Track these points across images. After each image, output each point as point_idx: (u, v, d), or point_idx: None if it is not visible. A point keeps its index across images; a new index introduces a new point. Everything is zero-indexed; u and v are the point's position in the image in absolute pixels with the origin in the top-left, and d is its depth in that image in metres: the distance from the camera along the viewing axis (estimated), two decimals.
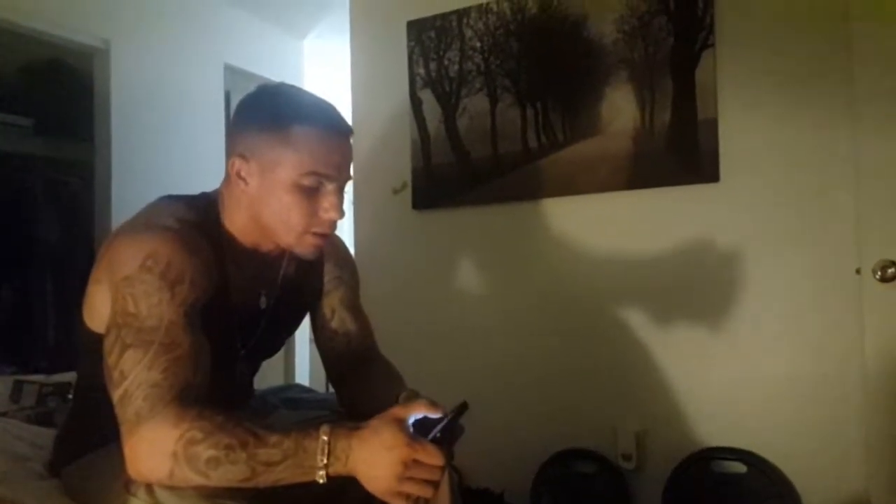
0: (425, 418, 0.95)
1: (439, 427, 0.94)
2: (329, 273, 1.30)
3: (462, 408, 0.96)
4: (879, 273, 1.69)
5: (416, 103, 2.39)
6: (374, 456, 0.90)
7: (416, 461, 0.90)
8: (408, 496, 0.91)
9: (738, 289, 1.94)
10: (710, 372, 1.98)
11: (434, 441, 0.92)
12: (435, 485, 0.93)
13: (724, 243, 1.95)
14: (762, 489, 1.88)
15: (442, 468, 0.92)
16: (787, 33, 1.88)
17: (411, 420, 0.95)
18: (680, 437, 2.00)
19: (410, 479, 0.90)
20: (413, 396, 1.08)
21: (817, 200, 1.86)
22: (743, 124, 1.92)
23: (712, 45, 1.94)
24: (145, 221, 1.05)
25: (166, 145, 3.03)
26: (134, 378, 0.91)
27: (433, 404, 0.98)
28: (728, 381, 1.95)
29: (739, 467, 1.92)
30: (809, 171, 1.87)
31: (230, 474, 0.88)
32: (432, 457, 0.91)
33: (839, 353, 1.82)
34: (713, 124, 1.94)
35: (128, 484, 0.93)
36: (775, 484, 1.87)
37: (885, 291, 1.69)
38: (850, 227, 1.79)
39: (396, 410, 0.95)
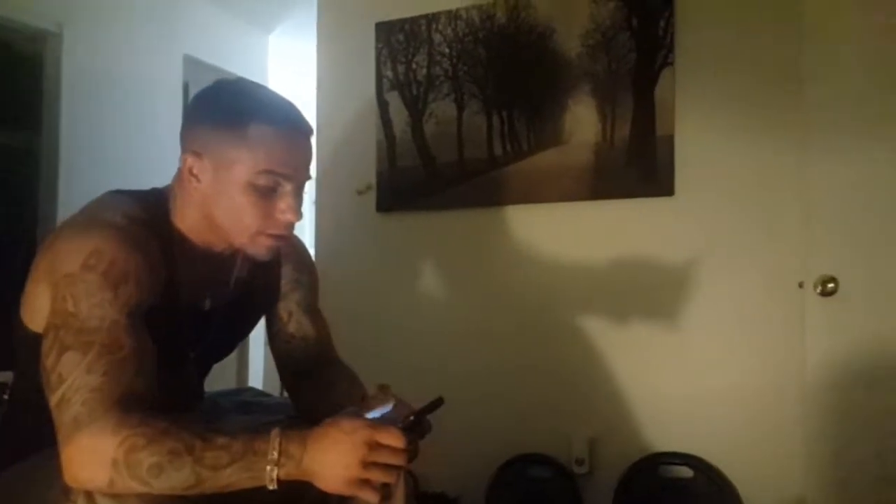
0: (386, 414, 0.94)
1: (409, 416, 0.92)
2: (287, 275, 1.26)
3: (436, 403, 0.94)
4: (820, 287, 1.77)
5: (382, 105, 2.39)
6: (333, 449, 0.87)
7: (378, 444, 0.88)
8: (372, 485, 0.89)
9: (688, 300, 2.01)
10: (659, 380, 2.04)
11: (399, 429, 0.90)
12: (398, 471, 0.91)
13: (676, 255, 2.02)
14: (707, 492, 1.95)
15: (405, 451, 0.89)
16: (743, 55, 1.96)
17: (369, 415, 0.93)
18: (630, 442, 2.05)
19: (374, 464, 0.88)
20: (384, 389, 1.04)
21: (765, 216, 1.94)
22: (698, 141, 1.99)
23: (672, 63, 2.00)
24: (90, 217, 1.00)
25: (119, 137, 2.88)
26: (72, 382, 0.87)
27: (400, 400, 0.96)
28: (676, 389, 2.01)
29: (686, 472, 1.98)
30: (758, 189, 1.95)
31: (174, 481, 0.84)
32: (394, 439, 0.88)
33: (781, 363, 1.90)
34: (670, 140, 2.00)
35: (66, 491, 0.88)
36: (719, 487, 1.94)
37: (826, 305, 1.78)
38: (795, 242, 1.87)
39: (352, 407, 0.94)
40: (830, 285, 1.77)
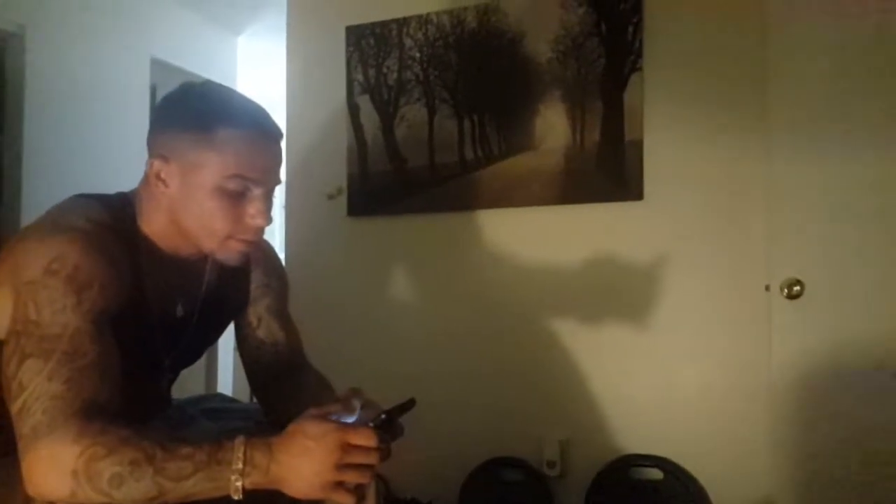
0: (356, 419, 0.92)
1: (380, 415, 0.91)
2: (256, 280, 1.25)
3: (408, 404, 0.93)
4: (786, 290, 1.80)
5: (353, 109, 2.38)
6: (301, 455, 0.86)
7: (350, 446, 0.87)
8: (346, 487, 0.88)
9: (657, 303, 2.03)
10: (630, 382, 2.06)
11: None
12: (372, 470, 0.90)
13: (645, 259, 2.04)
14: (677, 494, 1.97)
15: (378, 450, 0.89)
16: (710, 60, 1.99)
17: (336, 418, 0.92)
18: (601, 444, 2.07)
19: (348, 466, 0.87)
20: (356, 393, 1.02)
21: (732, 220, 1.97)
22: (666, 146, 2.02)
23: (640, 68, 2.03)
24: (53, 221, 0.98)
25: (84, 140, 2.83)
26: (33, 390, 0.85)
27: (372, 402, 0.95)
28: (646, 391, 2.03)
29: (656, 473, 2.00)
30: (726, 193, 1.98)
31: (135, 492, 0.82)
32: (366, 438, 0.87)
33: (748, 366, 1.93)
34: (639, 145, 2.03)
35: (28, 500, 0.87)
36: (689, 489, 1.96)
37: (792, 308, 1.81)
38: (762, 246, 1.90)
39: (312, 410, 0.92)
40: (796, 288, 1.80)
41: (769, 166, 1.86)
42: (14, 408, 0.86)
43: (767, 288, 1.86)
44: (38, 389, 0.85)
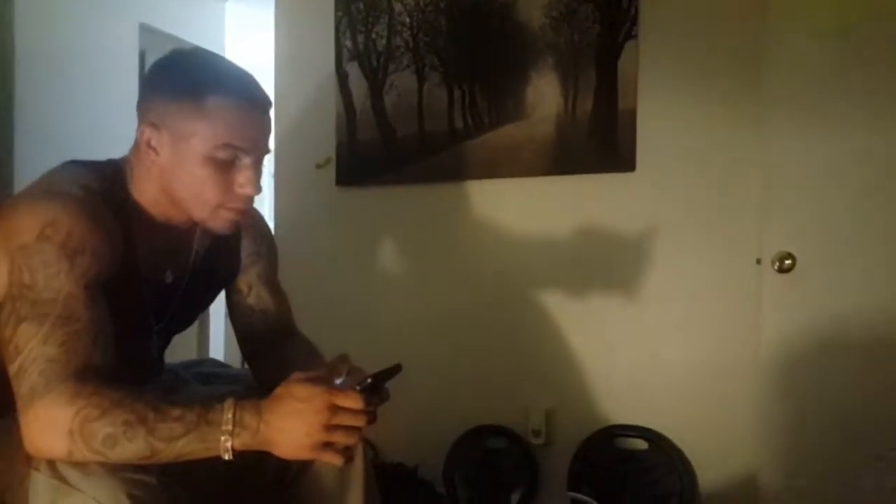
0: (343, 382, 0.94)
1: (365, 381, 0.92)
2: (246, 248, 1.27)
3: (394, 369, 0.95)
4: (778, 264, 1.81)
5: (342, 76, 2.34)
6: (290, 416, 0.88)
7: (338, 407, 0.88)
8: (335, 448, 0.90)
9: (647, 275, 2.03)
10: (616, 353, 2.07)
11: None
12: (359, 432, 0.92)
13: (636, 231, 2.03)
14: (661, 464, 2.00)
15: (364, 412, 0.90)
16: (706, 30, 1.96)
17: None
18: (587, 414, 2.08)
19: (336, 427, 0.89)
20: (343, 359, 1.04)
21: (724, 192, 1.96)
22: (660, 116, 2.00)
23: (636, 36, 1.99)
24: (46, 188, 0.99)
25: (74, 107, 2.82)
26: (29, 352, 0.88)
27: (358, 369, 0.97)
28: (633, 363, 2.05)
29: (641, 444, 2.03)
30: (718, 165, 1.97)
31: (128, 452, 0.85)
32: (353, 401, 0.89)
33: (737, 339, 1.94)
34: (632, 115, 2.00)
35: (29, 458, 0.90)
36: (673, 460, 1.99)
37: (782, 282, 1.81)
38: (753, 219, 1.90)
39: (298, 373, 0.93)
40: (788, 262, 1.80)
41: (763, 139, 1.85)
42: (11, 370, 0.89)
43: (758, 261, 1.86)
44: (33, 352, 0.88)
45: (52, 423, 0.85)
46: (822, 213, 1.80)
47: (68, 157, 1.08)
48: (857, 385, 1.77)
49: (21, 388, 0.87)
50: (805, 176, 1.80)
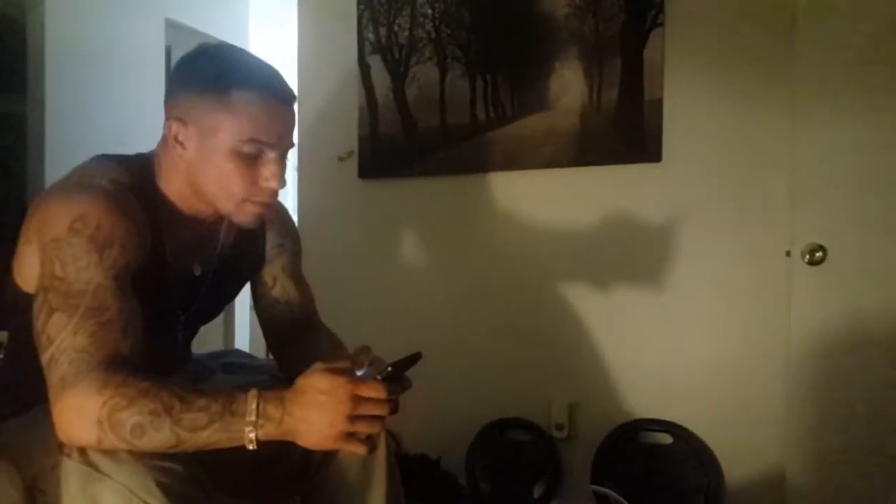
0: (364, 373, 0.95)
1: (386, 370, 0.93)
2: (271, 241, 1.29)
3: (414, 357, 0.95)
4: (808, 256, 1.77)
5: (364, 69, 2.35)
6: (313, 407, 0.89)
7: (361, 398, 0.90)
8: (358, 437, 0.91)
9: (673, 268, 2.00)
10: (641, 347, 2.04)
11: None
12: (382, 421, 0.93)
13: (662, 223, 2.00)
14: (686, 459, 1.97)
15: (387, 402, 0.91)
16: (734, 17, 1.92)
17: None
18: (611, 408, 2.06)
19: (359, 417, 0.90)
20: (365, 351, 1.06)
21: (753, 184, 1.92)
22: (687, 106, 1.96)
23: (662, 24, 1.96)
24: (77, 182, 1.02)
25: (103, 101, 2.90)
26: (60, 343, 0.90)
27: (380, 359, 0.98)
28: (658, 357, 2.02)
29: (665, 438, 2.00)
30: (747, 155, 1.93)
31: (155, 441, 0.87)
32: (375, 391, 0.90)
33: (765, 333, 1.90)
34: (658, 104, 1.97)
35: (60, 445, 0.92)
36: (699, 454, 1.96)
37: (813, 274, 1.77)
38: (783, 210, 1.86)
39: (319, 364, 0.94)
40: (818, 254, 1.76)
41: (793, 128, 1.80)
42: (43, 359, 0.91)
43: (788, 253, 1.82)
44: (64, 342, 0.90)
45: (81, 412, 0.87)
46: (853, 203, 1.75)
47: (99, 150, 1.10)
48: (889, 380, 1.73)
49: (52, 377, 0.89)
50: (836, 165, 1.76)
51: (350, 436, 0.91)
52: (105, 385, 0.87)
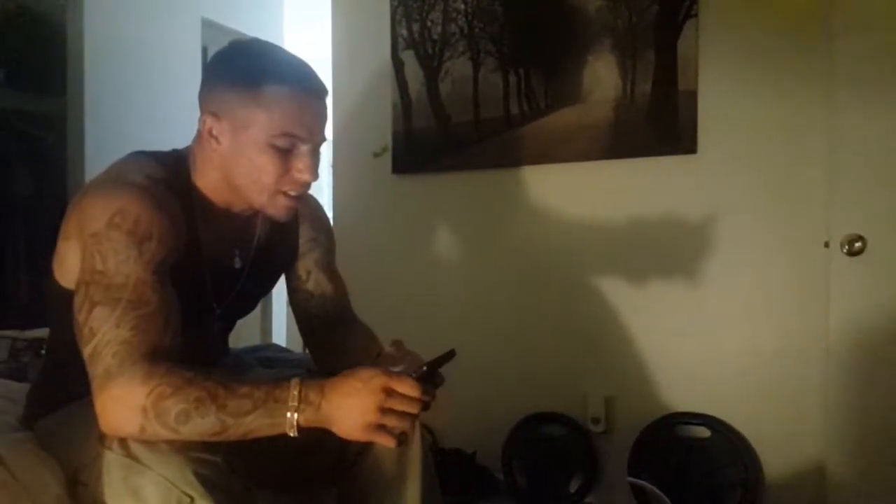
0: (400, 370, 0.96)
1: (421, 366, 0.95)
2: (305, 234, 1.29)
3: (449, 354, 0.96)
4: (847, 247, 1.73)
5: (397, 65, 2.36)
6: (349, 395, 0.90)
7: (393, 391, 0.90)
8: (388, 430, 0.92)
9: (709, 260, 1.98)
10: (678, 340, 2.02)
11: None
12: (413, 419, 0.94)
13: (698, 215, 1.98)
14: (724, 453, 1.95)
15: (419, 401, 0.92)
16: (769, 6, 1.89)
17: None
18: (647, 402, 2.05)
19: (390, 411, 0.91)
20: (398, 345, 1.07)
21: (790, 174, 1.89)
22: (722, 97, 1.93)
23: (695, 14, 1.93)
24: (115, 178, 1.03)
25: (141, 100, 2.96)
26: (103, 335, 0.91)
27: (414, 354, 0.99)
28: (696, 349, 2.00)
29: (703, 432, 1.98)
30: (784, 146, 1.89)
31: (200, 427, 0.88)
32: (409, 388, 0.91)
33: (804, 324, 1.87)
34: (693, 96, 1.95)
35: (102, 437, 0.94)
36: (737, 448, 1.94)
37: (852, 265, 1.73)
38: (821, 201, 1.82)
39: (367, 363, 0.96)
40: (858, 244, 1.72)
41: (831, 117, 1.76)
42: (86, 352, 0.92)
43: (827, 244, 1.78)
44: (107, 335, 0.91)
45: (126, 402, 0.88)
46: (893, 192, 1.71)
47: (136, 147, 1.12)
48: None
49: (96, 369, 0.90)
50: (875, 154, 1.71)
51: (380, 427, 0.91)
52: (149, 375, 0.88)
